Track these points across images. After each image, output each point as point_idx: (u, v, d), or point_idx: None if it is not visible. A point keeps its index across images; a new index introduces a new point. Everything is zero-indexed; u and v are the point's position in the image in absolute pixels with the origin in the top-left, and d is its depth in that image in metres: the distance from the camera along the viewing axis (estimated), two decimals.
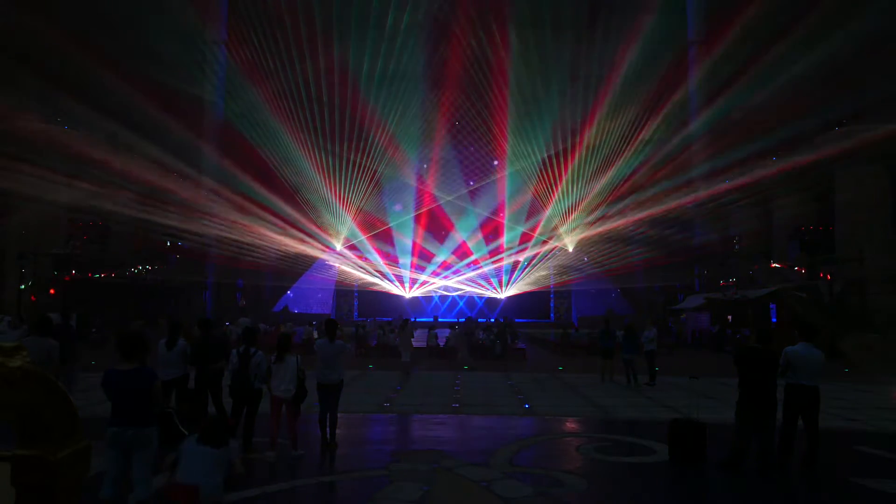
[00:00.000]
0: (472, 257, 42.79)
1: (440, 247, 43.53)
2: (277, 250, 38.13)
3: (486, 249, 42.97)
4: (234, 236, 35.79)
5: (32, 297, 23.44)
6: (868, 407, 11.55)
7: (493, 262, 42.71)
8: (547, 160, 38.79)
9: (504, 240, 42.58)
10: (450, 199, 42.17)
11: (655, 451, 7.54)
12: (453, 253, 43.38)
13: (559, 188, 39.29)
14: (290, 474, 6.61)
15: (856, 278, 23.99)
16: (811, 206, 29.55)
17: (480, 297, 44.22)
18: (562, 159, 38.72)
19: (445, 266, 43.24)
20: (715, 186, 35.49)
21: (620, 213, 38.45)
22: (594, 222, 39.29)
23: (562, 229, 40.52)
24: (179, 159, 34.99)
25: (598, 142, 37.64)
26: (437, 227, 43.35)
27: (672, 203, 35.47)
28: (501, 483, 6.18)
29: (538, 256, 41.91)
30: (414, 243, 43.17)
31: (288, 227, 38.18)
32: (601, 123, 37.08)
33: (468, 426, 9.62)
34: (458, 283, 43.48)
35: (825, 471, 6.73)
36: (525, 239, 41.89)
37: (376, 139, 38.44)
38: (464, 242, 43.11)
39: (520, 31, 36.23)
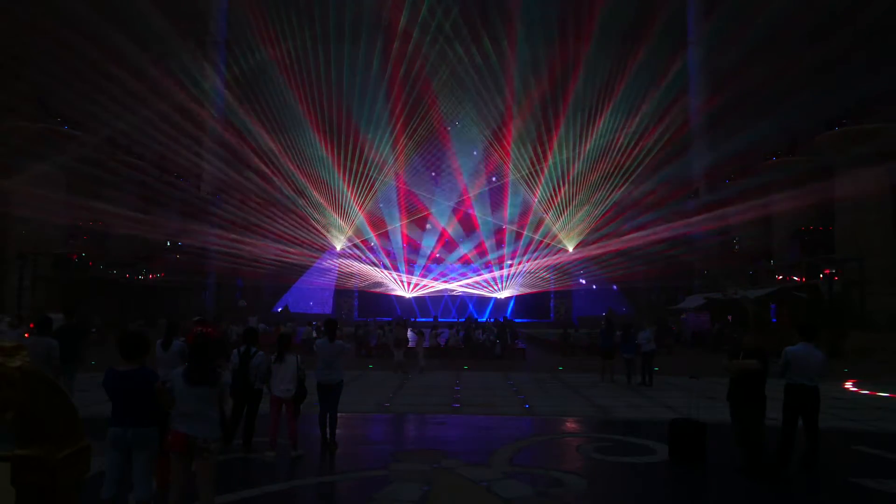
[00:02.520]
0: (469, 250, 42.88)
1: (443, 249, 43.62)
2: (276, 259, 38.35)
3: (485, 251, 43.11)
4: (236, 239, 35.98)
5: (32, 325, 23.30)
6: (868, 407, 11.55)
7: (492, 263, 42.81)
8: (550, 167, 38.99)
9: (505, 242, 42.72)
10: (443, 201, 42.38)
11: (655, 451, 7.54)
12: (457, 254, 43.49)
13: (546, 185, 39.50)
14: (290, 474, 6.61)
15: (856, 279, 23.98)
16: (811, 206, 29.54)
17: (471, 298, 44.17)
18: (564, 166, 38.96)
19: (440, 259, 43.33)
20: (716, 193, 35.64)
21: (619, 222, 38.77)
22: (592, 228, 39.52)
23: (561, 233, 40.61)
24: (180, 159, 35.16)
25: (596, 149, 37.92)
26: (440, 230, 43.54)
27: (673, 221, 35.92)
28: (501, 483, 6.17)
29: (538, 257, 42.08)
30: (415, 243, 43.30)
31: (291, 225, 38.38)
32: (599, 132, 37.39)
33: (468, 426, 9.62)
34: (460, 286, 43.54)
35: (825, 471, 6.73)
36: (525, 241, 42.01)
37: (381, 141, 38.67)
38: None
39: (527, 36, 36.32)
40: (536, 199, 40.29)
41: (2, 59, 24.83)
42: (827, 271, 24.34)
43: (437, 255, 43.65)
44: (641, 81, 34.94)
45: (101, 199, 30.28)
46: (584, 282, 43.03)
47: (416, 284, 43.13)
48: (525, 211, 41.51)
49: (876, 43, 23.26)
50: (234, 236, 35.80)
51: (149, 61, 29.51)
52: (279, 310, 39.32)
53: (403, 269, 42.95)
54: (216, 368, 4.50)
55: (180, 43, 32.42)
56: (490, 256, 42.76)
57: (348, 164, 38.65)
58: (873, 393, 13.43)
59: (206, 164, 38.38)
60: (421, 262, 43.43)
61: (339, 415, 7.68)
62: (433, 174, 42.62)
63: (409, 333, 20.48)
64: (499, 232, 43.00)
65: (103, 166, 30.01)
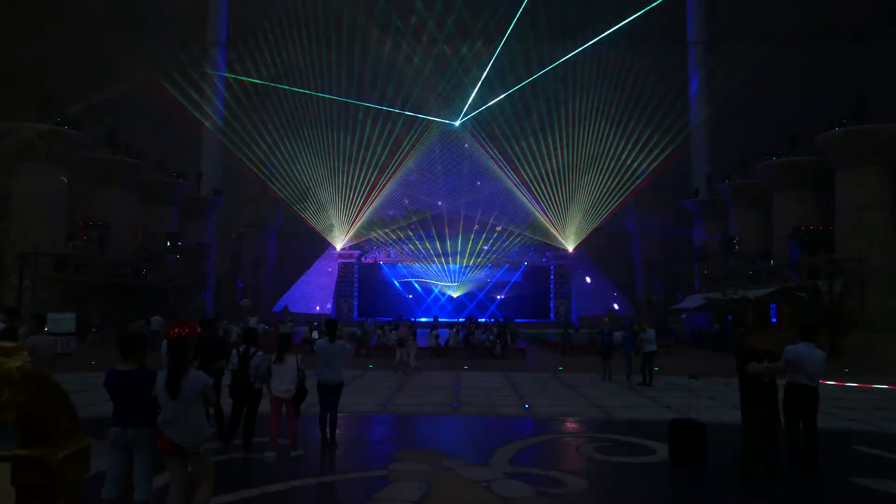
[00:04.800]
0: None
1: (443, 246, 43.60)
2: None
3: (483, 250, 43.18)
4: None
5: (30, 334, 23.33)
6: (868, 407, 11.55)
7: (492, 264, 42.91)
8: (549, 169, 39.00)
9: (503, 242, 42.79)
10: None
11: (655, 451, 7.54)
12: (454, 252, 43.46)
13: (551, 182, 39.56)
14: (290, 474, 6.60)
15: (856, 279, 23.95)
16: (811, 205, 29.51)
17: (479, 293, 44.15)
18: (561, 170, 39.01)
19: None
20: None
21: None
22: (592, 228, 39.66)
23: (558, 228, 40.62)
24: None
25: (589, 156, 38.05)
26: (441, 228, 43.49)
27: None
28: (501, 483, 6.17)
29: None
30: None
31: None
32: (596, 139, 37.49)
33: (468, 426, 9.63)
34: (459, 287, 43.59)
35: (825, 471, 6.72)
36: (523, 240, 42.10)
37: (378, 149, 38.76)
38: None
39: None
40: (534, 197, 40.27)
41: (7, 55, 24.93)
42: (826, 257, 24.34)
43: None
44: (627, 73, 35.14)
45: (101, 199, 30.37)
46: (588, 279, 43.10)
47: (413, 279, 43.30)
48: (516, 208, 41.54)
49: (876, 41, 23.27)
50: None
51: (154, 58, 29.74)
52: (279, 310, 39.31)
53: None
54: (178, 385, 4.29)
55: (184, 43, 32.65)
56: (491, 233, 42.79)
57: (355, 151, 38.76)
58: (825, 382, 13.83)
59: (209, 161, 38.55)
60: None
61: (339, 415, 7.68)
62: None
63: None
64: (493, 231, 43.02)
65: (104, 165, 30.08)
